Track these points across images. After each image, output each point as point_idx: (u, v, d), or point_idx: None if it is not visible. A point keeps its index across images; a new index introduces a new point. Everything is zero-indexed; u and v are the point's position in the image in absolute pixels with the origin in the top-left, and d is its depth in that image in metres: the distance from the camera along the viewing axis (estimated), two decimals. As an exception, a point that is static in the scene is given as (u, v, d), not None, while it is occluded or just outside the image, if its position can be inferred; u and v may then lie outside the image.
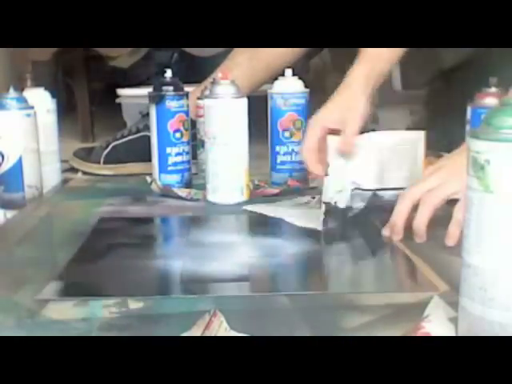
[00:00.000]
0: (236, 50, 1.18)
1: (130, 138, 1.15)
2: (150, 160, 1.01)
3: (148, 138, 1.01)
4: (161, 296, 0.57)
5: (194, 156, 1.05)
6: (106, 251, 0.69)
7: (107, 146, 1.16)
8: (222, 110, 0.89)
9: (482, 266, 0.42)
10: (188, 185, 1.00)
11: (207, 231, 0.79)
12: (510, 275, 0.41)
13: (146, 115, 1.12)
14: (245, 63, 1.15)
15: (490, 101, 0.83)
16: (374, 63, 0.86)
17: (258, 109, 0.97)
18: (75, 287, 0.60)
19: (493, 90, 0.84)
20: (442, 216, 0.77)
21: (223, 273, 0.63)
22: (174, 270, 0.63)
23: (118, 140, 1.16)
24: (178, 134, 0.98)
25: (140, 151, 1.10)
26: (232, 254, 0.68)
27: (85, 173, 1.15)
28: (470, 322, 0.43)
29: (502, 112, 0.41)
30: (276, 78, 1.00)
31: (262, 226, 0.81)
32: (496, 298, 0.41)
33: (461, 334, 0.45)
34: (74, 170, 1.16)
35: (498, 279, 0.41)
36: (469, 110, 0.86)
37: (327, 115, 0.85)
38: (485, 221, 0.41)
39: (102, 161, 1.14)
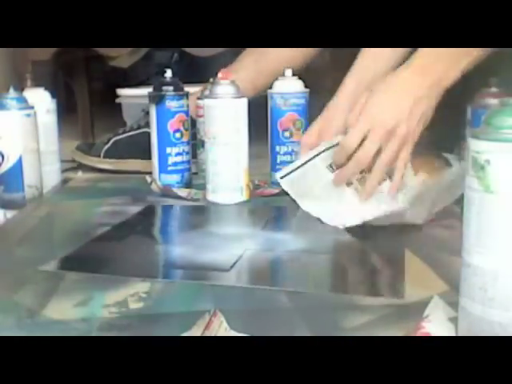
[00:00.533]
0: (244, 52, 1.18)
1: (131, 133, 1.16)
2: (150, 156, 1.01)
3: (148, 135, 1.02)
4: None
5: (194, 155, 1.05)
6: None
7: (108, 141, 1.16)
8: (222, 109, 0.89)
9: (482, 266, 0.42)
10: (188, 185, 1.00)
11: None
12: (510, 275, 0.41)
13: (148, 113, 1.13)
14: (250, 66, 1.15)
15: (490, 101, 0.82)
16: (363, 74, 0.86)
17: (258, 109, 0.97)
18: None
19: (493, 89, 0.84)
20: (441, 215, 0.77)
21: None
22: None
23: (118, 135, 1.16)
24: (178, 134, 0.98)
25: (140, 147, 1.11)
26: (232, 245, 0.70)
27: (85, 166, 1.15)
28: (470, 322, 0.43)
29: (502, 112, 0.41)
30: (277, 78, 1.00)
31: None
32: (496, 298, 0.41)
33: (461, 334, 0.45)
34: (74, 169, 1.16)
35: (497, 279, 0.41)
36: (469, 110, 0.85)
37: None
38: (485, 221, 0.41)
39: (102, 155, 1.15)
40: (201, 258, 0.66)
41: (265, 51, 1.16)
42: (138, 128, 1.15)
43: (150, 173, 1.00)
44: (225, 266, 0.63)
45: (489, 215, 0.41)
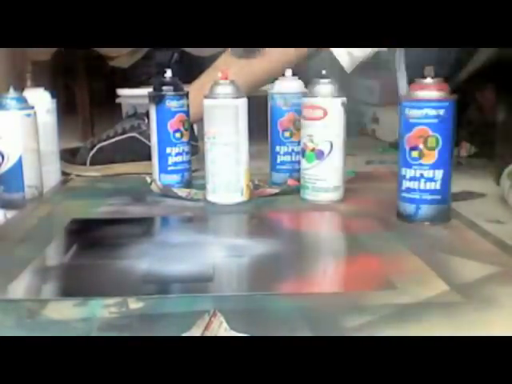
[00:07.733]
0: (223, 55, 1.18)
1: (117, 139, 1.15)
2: (137, 160, 1.03)
3: (136, 139, 1.02)
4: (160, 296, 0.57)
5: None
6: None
7: (92, 148, 1.15)
8: (222, 109, 0.89)
9: None
10: (188, 185, 1.00)
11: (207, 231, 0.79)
12: None
13: (132, 116, 1.13)
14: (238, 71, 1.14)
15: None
16: None
17: (258, 109, 0.97)
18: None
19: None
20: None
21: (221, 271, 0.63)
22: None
23: (103, 141, 1.15)
24: (177, 134, 0.98)
25: (127, 152, 1.12)
26: (231, 253, 0.69)
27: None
28: None
29: None
30: (277, 78, 1.00)
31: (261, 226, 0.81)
32: None
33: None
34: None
35: None
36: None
37: None
38: None
39: (88, 162, 1.14)
40: (172, 271, 0.63)
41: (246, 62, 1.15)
42: (123, 132, 1.15)
43: (138, 173, 1.01)
44: (206, 276, 0.61)
45: None
